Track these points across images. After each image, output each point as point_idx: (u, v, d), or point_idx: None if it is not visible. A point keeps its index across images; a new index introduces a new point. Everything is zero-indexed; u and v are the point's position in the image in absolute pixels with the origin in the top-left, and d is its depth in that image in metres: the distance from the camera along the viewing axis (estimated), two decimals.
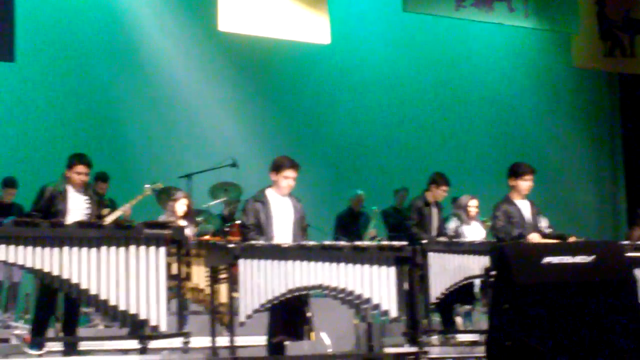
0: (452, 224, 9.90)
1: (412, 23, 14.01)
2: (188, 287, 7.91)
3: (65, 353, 7.15)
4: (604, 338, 6.23)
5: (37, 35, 12.22)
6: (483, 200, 10.01)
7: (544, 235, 8.28)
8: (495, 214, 8.40)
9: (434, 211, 9.38)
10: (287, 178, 7.30)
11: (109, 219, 7.30)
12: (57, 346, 7.31)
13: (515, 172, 8.40)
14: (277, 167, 7.33)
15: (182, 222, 8.69)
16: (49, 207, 7.39)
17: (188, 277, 7.86)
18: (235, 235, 8.76)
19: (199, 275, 7.85)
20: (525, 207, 8.39)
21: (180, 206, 9.06)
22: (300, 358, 7.05)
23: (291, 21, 12.10)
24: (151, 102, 13.02)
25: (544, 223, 8.41)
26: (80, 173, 7.51)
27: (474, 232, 9.77)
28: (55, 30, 12.47)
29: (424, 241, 8.39)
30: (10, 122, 12.05)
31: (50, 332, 7.59)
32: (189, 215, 9.11)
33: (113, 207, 9.57)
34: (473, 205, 9.93)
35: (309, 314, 7.18)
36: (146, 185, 9.18)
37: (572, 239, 8.29)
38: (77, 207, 7.46)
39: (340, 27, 13.11)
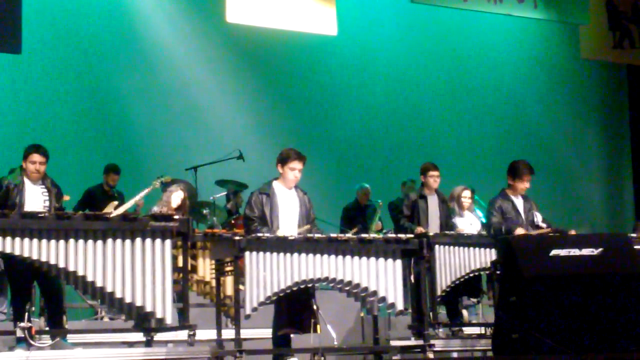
0: None
1: (420, 14, 13.98)
2: (194, 280, 7.89)
3: (53, 346, 7.06)
4: (611, 330, 6.21)
5: (44, 27, 12.22)
6: (491, 193, 9.95)
7: (537, 227, 8.33)
8: (490, 210, 8.51)
9: (434, 203, 9.26)
10: (294, 170, 7.29)
11: (118, 212, 7.25)
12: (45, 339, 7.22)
13: (515, 172, 8.48)
14: (283, 159, 7.32)
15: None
16: (5, 199, 7.29)
17: (194, 269, 7.84)
18: (241, 227, 8.73)
19: (205, 267, 7.83)
20: (520, 203, 8.46)
21: (176, 198, 9.03)
22: (306, 351, 7.02)
23: (298, 13, 12.11)
24: (158, 94, 13.00)
25: (538, 218, 8.43)
26: (35, 162, 7.39)
27: (468, 223, 9.64)
28: (61, 23, 12.46)
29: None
30: (17, 114, 12.04)
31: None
32: (183, 208, 9.05)
33: (121, 200, 9.56)
34: (466, 196, 9.82)
35: (314, 307, 7.16)
36: (155, 179, 9.16)
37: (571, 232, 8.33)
38: (34, 199, 7.37)
39: (347, 18, 13.10)
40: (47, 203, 7.44)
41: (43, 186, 7.50)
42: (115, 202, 9.26)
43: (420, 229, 8.85)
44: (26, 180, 7.44)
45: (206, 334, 7.46)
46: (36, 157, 7.42)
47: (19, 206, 7.25)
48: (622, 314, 6.27)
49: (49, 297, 7.36)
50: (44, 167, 7.48)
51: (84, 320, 9.38)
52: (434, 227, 9.07)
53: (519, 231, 8.22)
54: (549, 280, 6.33)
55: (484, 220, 9.51)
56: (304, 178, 7.41)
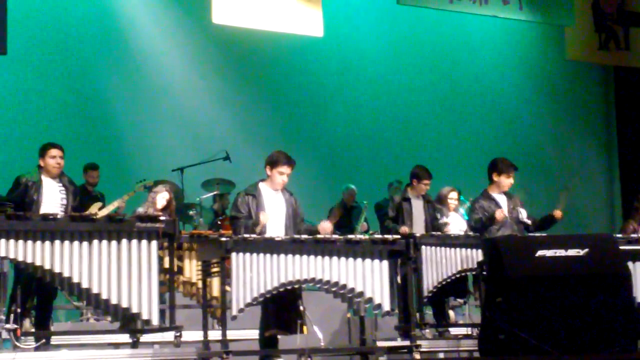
0: None
1: (406, 16, 13.98)
2: (180, 281, 7.89)
3: (38, 348, 7.04)
4: (597, 331, 6.23)
5: (30, 27, 12.17)
6: (476, 193, 9.96)
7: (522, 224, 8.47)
8: (471, 212, 8.61)
9: (418, 205, 9.21)
10: (282, 174, 7.29)
11: (100, 214, 7.23)
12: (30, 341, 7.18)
13: (499, 168, 8.54)
14: (272, 162, 7.31)
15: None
16: (23, 196, 7.31)
17: (180, 270, 7.83)
18: (228, 228, 8.72)
19: (191, 269, 7.82)
20: (502, 201, 8.49)
21: (161, 199, 9.00)
22: (293, 352, 7.02)
23: (284, 14, 12.08)
24: (144, 95, 12.97)
25: (523, 214, 8.48)
26: (55, 157, 7.45)
27: (454, 224, 9.63)
28: (47, 23, 12.42)
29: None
30: (2, 115, 11.99)
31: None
32: (169, 209, 9.03)
33: (103, 201, 9.53)
34: (453, 197, 9.84)
35: (301, 308, 7.16)
36: (138, 183, 9.14)
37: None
38: (52, 197, 7.40)
39: (334, 19, 13.08)
40: (65, 201, 7.48)
41: (60, 184, 7.53)
42: (100, 203, 9.25)
43: (404, 229, 8.83)
44: (44, 178, 7.48)
45: (192, 335, 7.46)
46: (55, 151, 7.49)
47: (37, 204, 7.28)
48: (608, 314, 6.29)
49: (43, 299, 7.33)
50: (63, 161, 7.54)
51: (70, 322, 9.36)
52: (418, 229, 9.03)
53: (499, 213, 8.31)
54: (535, 281, 6.34)
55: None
56: (290, 178, 7.40)
